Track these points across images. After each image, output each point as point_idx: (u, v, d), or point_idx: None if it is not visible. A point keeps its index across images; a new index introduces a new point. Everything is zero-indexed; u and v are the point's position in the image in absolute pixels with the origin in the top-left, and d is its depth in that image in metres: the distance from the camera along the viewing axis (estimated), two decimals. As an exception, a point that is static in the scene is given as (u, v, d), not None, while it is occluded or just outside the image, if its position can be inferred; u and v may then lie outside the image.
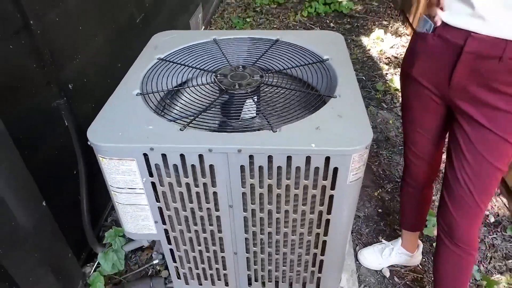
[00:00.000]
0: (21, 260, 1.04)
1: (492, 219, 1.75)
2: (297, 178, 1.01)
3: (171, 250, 1.25)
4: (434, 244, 1.62)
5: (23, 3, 1.06)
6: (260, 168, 0.98)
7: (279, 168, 0.98)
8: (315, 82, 1.23)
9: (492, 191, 1.03)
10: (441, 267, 1.17)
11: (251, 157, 0.97)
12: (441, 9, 0.95)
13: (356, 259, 1.56)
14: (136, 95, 1.13)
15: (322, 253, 1.22)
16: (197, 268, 1.31)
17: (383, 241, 1.59)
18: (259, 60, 1.34)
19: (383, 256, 1.50)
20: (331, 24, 3.61)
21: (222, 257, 1.25)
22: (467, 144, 1.00)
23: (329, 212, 1.08)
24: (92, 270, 1.35)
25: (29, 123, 1.12)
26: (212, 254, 1.25)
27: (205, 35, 1.49)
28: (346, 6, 3.82)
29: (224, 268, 1.30)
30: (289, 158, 0.96)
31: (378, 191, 1.88)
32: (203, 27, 3.32)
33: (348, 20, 3.69)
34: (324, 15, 3.79)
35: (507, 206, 1.80)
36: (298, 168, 0.98)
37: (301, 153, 0.94)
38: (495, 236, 1.68)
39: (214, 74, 1.23)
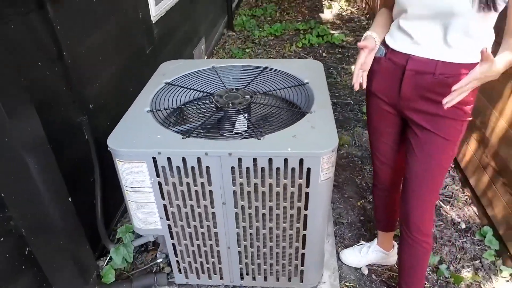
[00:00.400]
0: (48, 246, 1.24)
1: (463, 226, 1.93)
2: (278, 178, 1.22)
3: (173, 245, 1.45)
4: (409, 247, 1.80)
5: (59, 38, 1.33)
6: (247, 169, 1.20)
7: (262, 169, 1.20)
8: (296, 101, 1.47)
9: (439, 185, 1.23)
10: (400, 257, 1.36)
11: (239, 159, 1.19)
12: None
13: (339, 259, 1.74)
14: (147, 111, 1.38)
15: (303, 247, 1.41)
16: (195, 262, 1.50)
17: (363, 242, 1.78)
18: (250, 83, 1.59)
19: (362, 253, 1.69)
20: (323, 54, 3.92)
21: (217, 251, 1.45)
22: (417, 145, 1.21)
23: (306, 208, 1.29)
24: (105, 264, 1.55)
25: (58, 134, 1.36)
26: (209, 248, 1.44)
27: (206, 63, 1.75)
28: (337, 38, 4.14)
29: (219, 262, 1.49)
30: (270, 160, 1.18)
31: (361, 201, 2.08)
32: (206, 56, 3.63)
33: (339, 50, 3.99)
34: (317, 45, 4.11)
35: (477, 214, 1.99)
36: (278, 169, 1.20)
37: (280, 155, 1.17)
38: (465, 240, 1.86)
39: (211, 95, 1.48)
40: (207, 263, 1.50)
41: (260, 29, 4.54)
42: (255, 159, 1.18)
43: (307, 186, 1.23)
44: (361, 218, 1.98)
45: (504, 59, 0.98)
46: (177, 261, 1.50)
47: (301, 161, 1.17)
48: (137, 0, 2.05)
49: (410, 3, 1.10)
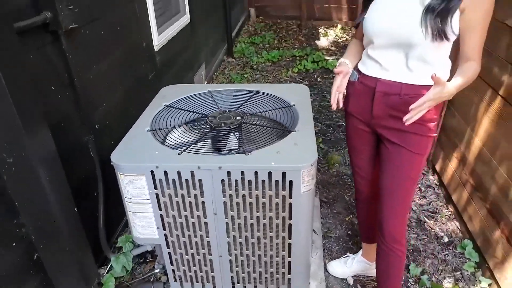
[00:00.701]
0: (55, 253, 1.36)
1: (446, 239, 2.03)
2: (263, 190, 1.35)
3: (169, 253, 1.56)
4: (393, 259, 1.90)
5: (71, 66, 1.50)
6: (236, 181, 1.34)
7: (249, 181, 1.34)
8: (282, 121, 1.62)
9: (409, 196, 1.36)
10: (377, 264, 1.46)
11: (228, 173, 1.32)
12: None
13: (326, 270, 1.84)
14: (147, 131, 1.53)
15: (289, 255, 1.52)
16: (190, 271, 1.60)
17: (349, 254, 1.88)
18: (242, 106, 1.75)
19: (347, 265, 1.78)
20: (318, 79, 4.11)
21: (210, 260, 1.56)
22: (388, 159, 1.35)
23: (290, 218, 1.41)
24: (105, 272, 1.66)
25: (67, 151, 1.50)
26: (202, 257, 1.56)
27: (202, 88, 1.92)
28: (332, 64, 4.35)
29: (212, 271, 1.59)
30: (256, 174, 1.32)
31: (349, 217, 2.19)
32: (206, 82, 3.82)
33: (333, 75, 4.18)
34: (312, 71, 4.31)
35: (459, 228, 2.09)
36: (263, 181, 1.33)
37: (264, 169, 1.30)
38: (447, 253, 1.95)
39: (206, 116, 1.64)
40: (201, 271, 1.60)
41: (258, 56, 4.77)
42: (242, 173, 1.32)
43: (290, 197, 1.36)
44: (349, 232, 2.09)
45: (457, 83, 1.13)
46: (173, 270, 1.61)
47: (284, 174, 1.31)
48: (141, 31, 2.25)
49: (376, 36, 1.26)
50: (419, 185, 2.43)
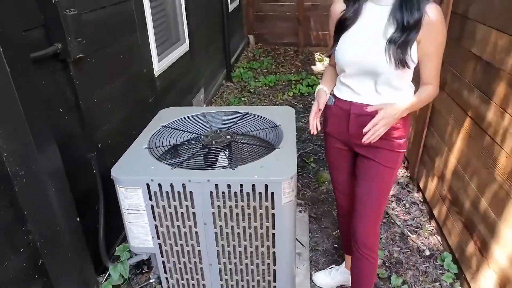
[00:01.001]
0: (58, 259, 1.49)
1: (427, 253, 2.13)
2: (248, 201, 1.49)
3: (163, 262, 1.68)
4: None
5: (77, 90, 1.68)
6: (223, 193, 1.48)
7: (235, 193, 1.47)
8: (268, 139, 1.77)
9: (381, 206, 1.49)
10: (351, 270, 1.57)
11: (216, 185, 1.46)
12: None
13: (311, 281, 1.94)
14: (145, 148, 1.68)
15: (274, 263, 1.63)
16: (182, 279, 1.72)
17: (333, 265, 1.98)
18: (233, 126, 1.90)
19: (332, 276, 1.89)
20: (312, 102, 4.29)
21: (201, 268, 1.68)
22: (362, 172, 1.48)
23: (273, 227, 1.54)
24: (104, 279, 1.77)
25: (71, 166, 1.65)
26: (193, 265, 1.67)
27: (197, 110, 2.09)
28: (325, 87, 4.54)
29: (203, 279, 1.71)
30: (241, 186, 1.45)
31: (336, 231, 2.30)
32: (204, 105, 4.01)
33: (327, 98, 4.37)
34: (307, 94, 4.50)
35: (440, 242, 2.19)
36: (248, 193, 1.47)
37: (249, 182, 1.44)
38: (428, 265, 2.05)
39: (199, 135, 1.79)
40: (192, 279, 1.72)
41: (256, 80, 4.99)
42: (229, 185, 1.46)
43: (273, 208, 1.49)
44: (335, 246, 2.20)
45: (408, 102, 1.29)
46: (166, 278, 1.73)
47: (266, 186, 1.45)
48: (142, 58, 2.44)
49: (347, 65, 1.42)
50: (404, 202, 2.55)
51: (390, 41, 1.30)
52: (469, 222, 1.86)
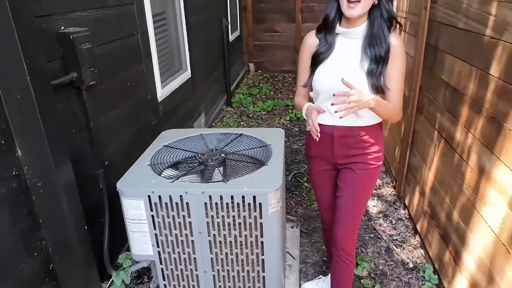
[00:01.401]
0: (67, 265, 1.65)
1: (411, 265, 2.27)
2: (238, 211, 1.66)
3: (162, 269, 1.83)
4: (362, 280, 2.14)
5: (88, 113, 1.89)
6: (216, 204, 1.65)
7: (227, 204, 1.65)
8: (259, 157, 1.96)
9: (359, 215, 1.65)
10: (331, 272, 1.71)
11: (210, 197, 1.64)
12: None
13: (300, 290, 2.07)
14: (147, 165, 1.87)
15: (263, 270, 1.78)
16: (179, 285, 1.86)
17: (321, 276, 2.12)
18: (227, 145, 2.10)
19: (319, 285, 2.02)
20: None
21: (196, 275, 1.82)
22: (345, 185, 1.64)
23: (262, 236, 1.70)
24: (107, 286, 1.92)
25: (81, 181, 1.83)
26: (190, 272, 1.82)
27: (196, 132, 2.29)
28: (321, 112, 4.76)
29: (198, 285, 1.85)
30: (232, 197, 1.63)
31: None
32: (205, 128, 4.23)
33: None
34: (303, 118, 4.71)
35: (423, 255, 2.33)
36: (238, 204, 1.64)
37: (239, 193, 1.62)
38: (411, 276, 2.18)
39: (196, 153, 1.99)
40: (189, 286, 1.86)
41: (255, 105, 5.23)
42: (221, 197, 1.64)
43: (261, 217, 1.66)
44: (324, 259, 2.33)
45: (381, 100, 1.43)
46: (165, 285, 1.87)
47: (254, 197, 1.62)
48: (147, 85, 2.68)
49: (326, 92, 1.60)
50: (391, 218, 2.70)
51: (369, 73, 1.47)
52: (445, 234, 2.01)
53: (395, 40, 1.47)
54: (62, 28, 1.73)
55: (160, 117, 2.88)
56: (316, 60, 1.58)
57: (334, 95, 1.40)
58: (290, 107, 5.15)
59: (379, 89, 1.50)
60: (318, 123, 1.65)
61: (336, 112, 1.36)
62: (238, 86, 6.26)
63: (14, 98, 1.35)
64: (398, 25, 1.52)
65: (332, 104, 1.42)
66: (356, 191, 1.64)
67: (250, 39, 6.91)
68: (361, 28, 1.49)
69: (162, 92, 2.92)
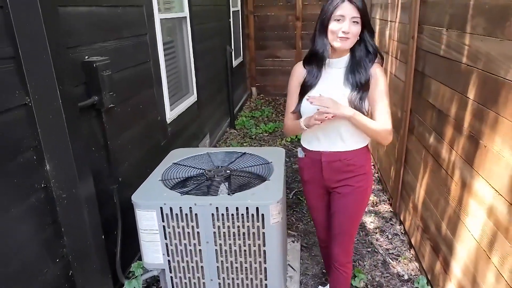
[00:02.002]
0: (84, 272, 1.80)
1: (406, 277, 2.38)
2: (243, 222, 1.81)
3: (171, 277, 1.97)
4: (359, 291, 2.26)
5: (107, 133, 2.08)
6: (222, 215, 1.81)
7: (232, 215, 1.80)
8: (261, 173, 2.13)
9: (354, 232, 1.79)
10: (329, 282, 1.84)
11: (217, 208, 1.80)
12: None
13: (300, 300, 2.19)
14: (159, 180, 2.04)
15: (266, 278, 1.91)
16: (187, 293, 1.99)
17: (320, 286, 2.24)
18: (232, 163, 2.27)
19: (318, 295, 2.14)
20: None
21: (203, 283, 1.96)
22: (338, 204, 1.77)
23: (264, 245, 1.84)
24: (120, 294, 2.04)
25: (97, 196, 2.00)
26: (197, 280, 1.96)
27: (203, 150, 2.47)
28: (320, 134, 4.95)
29: (205, 293, 1.98)
30: (237, 209, 1.79)
31: (325, 259, 2.57)
32: (210, 149, 4.41)
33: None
34: (303, 140, 4.90)
35: (418, 268, 2.45)
36: (242, 215, 1.80)
37: (243, 205, 1.78)
38: (405, 287, 2.30)
39: (204, 170, 2.16)
40: (196, 294, 1.99)
41: (257, 127, 5.43)
42: (227, 208, 1.79)
43: (263, 227, 1.81)
44: (323, 271, 2.46)
45: (360, 115, 1.58)
46: (173, 293, 2.00)
47: (257, 209, 1.78)
48: (157, 108, 2.88)
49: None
50: (387, 234, 2.83)
51: (351, 98, 1.63)
52: (435, 245, 2.14)
53: (375, 70, 1.62)
54: (86, 57, 1.95)
55: (168, 137, 3.07)
56: (305, 88, 1.72)
57: (307, 99, 1.57)
58: (291, 129, 5.34)
59: (363, 113, 1.64)
60: (306, 148, 1.81)
61: (307, 99, 1.54)
62: (241, 109, 6.49)
63: (47, 119, 1.55)
64: (380, 58, 1.71)
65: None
66: (348, 213, 1.76)
67: (252, 64, 7.21)
68: (345, 58, 1.66)
69: (170, 114, 3.12)
